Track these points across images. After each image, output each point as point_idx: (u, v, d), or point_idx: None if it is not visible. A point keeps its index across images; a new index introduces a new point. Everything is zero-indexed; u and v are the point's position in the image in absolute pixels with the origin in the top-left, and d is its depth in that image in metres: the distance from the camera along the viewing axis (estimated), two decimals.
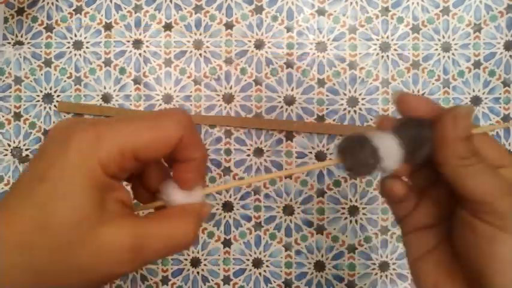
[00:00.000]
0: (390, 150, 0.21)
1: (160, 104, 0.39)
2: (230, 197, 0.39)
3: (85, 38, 0.39)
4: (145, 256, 0.19)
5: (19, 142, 0.39)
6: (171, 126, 0.20)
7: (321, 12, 0.39)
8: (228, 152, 0.39)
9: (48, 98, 0.39)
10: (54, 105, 0.39)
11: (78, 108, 0.39)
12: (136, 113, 0.21)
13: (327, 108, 0.39)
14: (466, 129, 0.21)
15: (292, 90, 0.39)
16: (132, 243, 0.19)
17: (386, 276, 0.39)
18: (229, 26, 0.39)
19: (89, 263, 0.18)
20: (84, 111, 0.39)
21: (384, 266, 0.39)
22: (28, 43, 0.39)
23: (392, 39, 0.39)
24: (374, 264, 0.39)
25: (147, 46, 0.39)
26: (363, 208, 0.39)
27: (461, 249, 0.22)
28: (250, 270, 0.39)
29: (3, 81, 0.39)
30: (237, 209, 0.39)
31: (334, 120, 0.39)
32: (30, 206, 0.18)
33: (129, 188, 0.23)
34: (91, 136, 0.19)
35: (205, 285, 0.39)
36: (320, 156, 0.39)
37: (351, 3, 0.39)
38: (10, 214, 0.18)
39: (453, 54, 0.39)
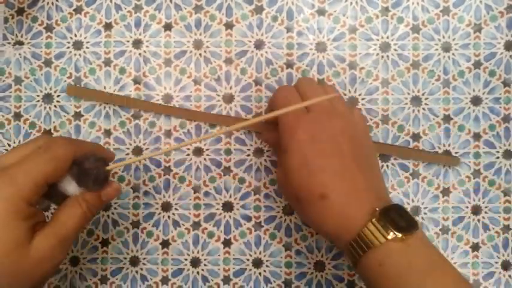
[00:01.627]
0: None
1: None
2: (230, 196, 0.39)
3: (85, 38, 0.39)
4: (68, 238, 0.27)
5: (19, 142, 0.39)
6: (64, 153, 0.27)
7: (320, 12, 0.39)
8: (228, 152, 0.39)
9: (48, 98, 0.39)
10: (54, 105, 0.39)
11: (87, 93, 0.39)
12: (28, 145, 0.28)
13: None
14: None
15: None
16: (57, 240, 0.27)
17: None
18: (229, 26, 0.39)
19: (31, 271, 0.25)
20: (93, 98, 0.39)
21: None
22: (28, 43, 0.39)
23: (392, 39, 0.39)
24: None
25: (147, 46, 0.39)
26: None
27: None
28: (250, 270, 0.39)
29: (3, 81, 0.39)
30: (237, 209, 0.39)
31: None
32: None
33: None
34: (5, 180, 0.25)
35: (205, 285, 0.39)
36: None
37: (351, 3, 0.39)
38: None
39: (453, 54, 0.39)
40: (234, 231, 0.39)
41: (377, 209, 0.28)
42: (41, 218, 0.28)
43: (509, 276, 0.39)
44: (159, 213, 0.39)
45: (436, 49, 0.39)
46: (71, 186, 0.29)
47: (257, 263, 0.39)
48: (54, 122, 0.39)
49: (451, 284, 0.27)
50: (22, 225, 0.25)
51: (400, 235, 0.27)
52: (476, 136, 0.39)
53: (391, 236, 0.27)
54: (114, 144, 0.39)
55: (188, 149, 0.39)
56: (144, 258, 0.39)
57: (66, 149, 0.27)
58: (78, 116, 0.39)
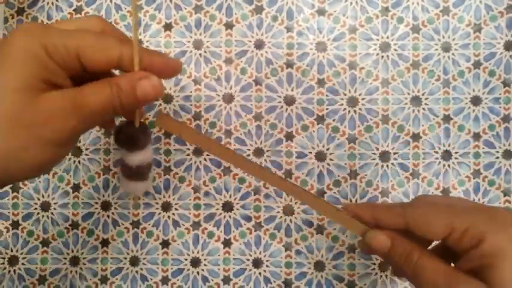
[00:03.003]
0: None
1: (160, 104, 0.39)
2: (230, 197, 0.39)
3: None
4: (84, 111, 0.24)
5: None
6: (113, 42, 0.24)
7: (321, 12, 0.39)
8: None
9: None
10: None
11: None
12: None
13: (327, 109, 0.39)
14: (380, 245, 0.28)
15: (292, 90, 0.39)
16: (71, 103, 0.23)
17: (386, 276, 0.39)
18: (229, 26, 0.39)
19: (38, 120, 0.23)
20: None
21: (383, 266, 0.39)
22: None
23: (392, 39, 0.39)
24: (374, 264, 0.39)
25: (147, 46, 0.39)
26: None
27: None
28: (250, 270, 0.39)
29: None
30: (237, 209, 0.39)
31: (334, 120, 0.39)
32: None
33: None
34: (36, 27, 0.23)
35: (205, 285, 0.39)
36: (320, 156, 0.39)
37: (351, 3, 0.39)
38: None
39: (453, 54, 0.39)
40: (234, 231, 0.39)
41: None
42: (66, 85, 0.25)
43: None
44: (159, 213, 0.39)
45: (436, 49, 0.39)
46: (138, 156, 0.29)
47: (257, 263, 0.39)
48: None
49: None
50: (36, 70, 0.23)
51: None
52: (476, 136, 0.39)
53: None
54: (114, 144, 0.39)
55: (188, 149, 0.39)
56: (144, 258, 0.39)
57: (117, 44, 0.25)
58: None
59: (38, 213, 0.39)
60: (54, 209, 0.39)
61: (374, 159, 0.39)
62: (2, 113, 0.22)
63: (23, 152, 0.23)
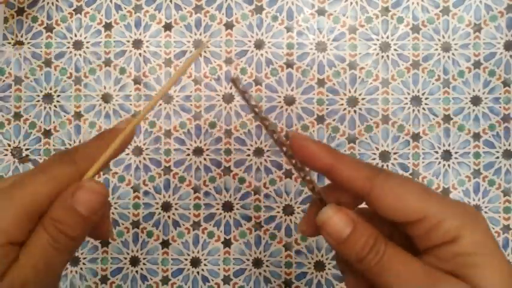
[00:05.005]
0: None
1: (160, 104, 0.39)
2: (230, 197, 0.39)
3: (85, 38, 0.39)
4: (35, 278, 0.20)
5: (19, 142, 0.39)
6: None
7: (321, 12, 0.39)
8: (228, 152, 0.39)
9: (48, 98, 0.39)
10: (54, 105, 0.39)
11: None
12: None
13: (326, 109, 0.39)
14: (337, 230, 0.20)
15: (292, 90, 0.39)
16: (21, 281, 0.20)
17: None
18: (229, 26, 0.39)
19: None
20: None
21: None
22: (28, 43, 0.39)
23: (392, 39, 0.39)
24: None
25: (147, 46, 0.39)
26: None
27: None
28: (250, 270, 0.39)
29: (4, 81, 0.39)
30: (237, 209, 0.39)
31: (334, 120, 0.39)
32: None
33: None
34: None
35: (205, 285, 0.39)
36: None
37: (351, 3, 0.39)
38: None
39: (453, 54, 0.39)
40: (234, 231, 0.39)
41: None
42: None
43: None
44: (159, 213, 0.39)
45: (436, 49, 0.39)
46: None
47: (257, 263, 0.39)
48: (54, 122, 0.39)
49: None
50: None
51: None
52: (476, 136, 0.39)
53: None
54: None
55: (188, 149, 0.39)
56: (144, 258, 0.39)
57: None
58: (78, 116, 0.39)
59: None
60: None
61: (374, 159, 0.39)
62: None
63: None
